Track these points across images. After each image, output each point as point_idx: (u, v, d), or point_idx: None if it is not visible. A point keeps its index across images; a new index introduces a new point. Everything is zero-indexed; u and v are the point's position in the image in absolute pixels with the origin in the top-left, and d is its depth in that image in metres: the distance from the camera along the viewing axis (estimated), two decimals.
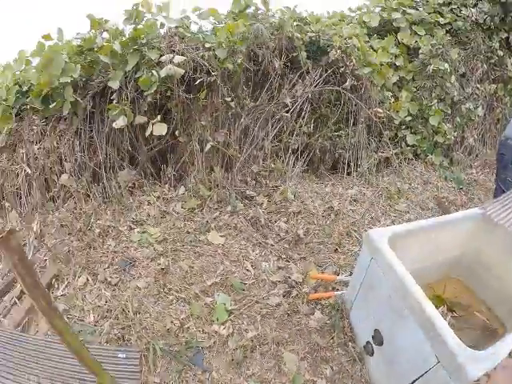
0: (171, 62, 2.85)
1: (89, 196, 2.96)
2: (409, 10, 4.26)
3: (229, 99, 3.02)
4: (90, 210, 2.82)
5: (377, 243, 1.69)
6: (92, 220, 2.69)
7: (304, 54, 3.46)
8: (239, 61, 2.95)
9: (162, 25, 3.09)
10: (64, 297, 2.36)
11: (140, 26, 3.19)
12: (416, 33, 4.26)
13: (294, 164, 3.28)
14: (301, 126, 3.34)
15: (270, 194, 3.10)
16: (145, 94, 2.80)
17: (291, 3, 3.71)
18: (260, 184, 3.14)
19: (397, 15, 4.23)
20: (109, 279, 2.36)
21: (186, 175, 3.00)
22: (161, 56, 2.90)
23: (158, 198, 2.89)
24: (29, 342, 1.94)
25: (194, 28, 3.39)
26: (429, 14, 4.29)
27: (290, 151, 3.28)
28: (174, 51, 2.96)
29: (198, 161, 2.92)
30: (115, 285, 2.35)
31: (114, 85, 2.77)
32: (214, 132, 3.01)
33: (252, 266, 2.56)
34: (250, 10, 3.54)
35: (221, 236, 2.71)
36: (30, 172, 2.99)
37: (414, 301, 1.41)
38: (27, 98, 3.21)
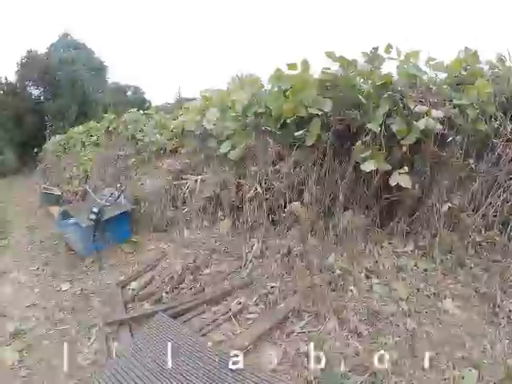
0: (427, 114, 2.81)
1: (313, 229, 3.00)
2: None
3: (471, 161, 2.93)
4: (319, 245, 2.85)
5: None
6: (330, 260, 2.70)
7: None
8: (495, 125, 2.85)
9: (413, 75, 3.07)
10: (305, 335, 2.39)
11: (383, 71, 3.22)
12: None
13: None
14: None
15: (489, 269, 2.95)
16: (402, 142, 2.78)
17: None
18: (478, 255, 3.00)
19: None
20: (359, 330, 2.35)
21: (416, 232, 2.93)
22: (415, 106, 2.87)
23: (386, 249, 2.85)
24: None
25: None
26: None
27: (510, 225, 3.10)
28: (424, 102, 2.92)
29: (435, 220, 2.84)
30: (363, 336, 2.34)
31: (375, 127, 2.78)
32: (450, 193, 2.93)
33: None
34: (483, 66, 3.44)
35: (456, 306, 2.61)
36: (260, 191, 3.10)
37: None
38: (261, 119, 3.36)
